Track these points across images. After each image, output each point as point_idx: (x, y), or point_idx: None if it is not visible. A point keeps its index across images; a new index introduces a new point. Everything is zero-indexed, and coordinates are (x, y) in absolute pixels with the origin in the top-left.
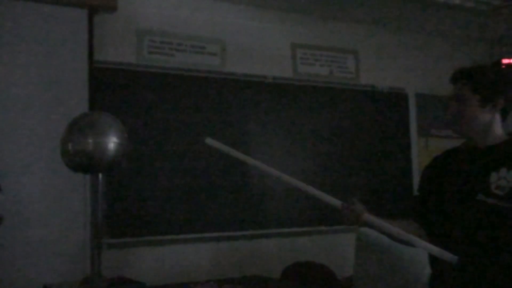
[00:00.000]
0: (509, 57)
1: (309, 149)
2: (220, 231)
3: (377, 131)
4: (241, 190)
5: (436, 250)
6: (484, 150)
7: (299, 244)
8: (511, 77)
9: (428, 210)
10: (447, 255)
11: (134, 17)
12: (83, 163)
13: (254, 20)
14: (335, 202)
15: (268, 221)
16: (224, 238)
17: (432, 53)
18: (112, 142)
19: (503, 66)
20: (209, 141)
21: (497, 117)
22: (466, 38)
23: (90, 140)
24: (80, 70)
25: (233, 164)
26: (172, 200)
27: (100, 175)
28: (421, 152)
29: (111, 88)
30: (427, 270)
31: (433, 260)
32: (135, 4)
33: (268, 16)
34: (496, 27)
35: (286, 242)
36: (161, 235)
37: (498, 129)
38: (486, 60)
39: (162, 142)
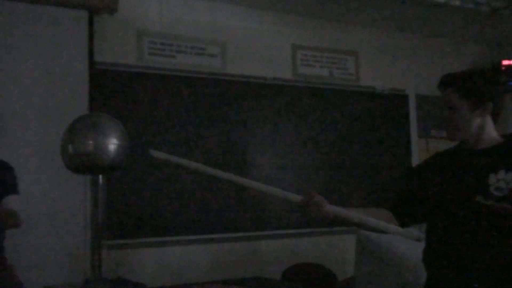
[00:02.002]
0: (509, 59)
1: (309, 150)
2: (220, 232)
3: (377, 132)
4: (241, 191)
5: (402, 231)
6: (480, 152)
7: (300, 246)
8: (498, 81)
9: (410, 206)
10: (414, 234)
11: (134, 19)
12: (83, 164)
13: (254, 22)
14: (295, 197)
15: (268, 222)
16: (224, 240)
17: (432, 54)
18: (112, 144)
19: (503, 68)
20: (153, 152)
21: (489, 120)
22: (466, 40)
23: (90, 142)
24: (80, 71)
25: (233, 164)
26: (172, 201)
27: (100, 177)
28: (421, 153)
29: (112, 89)
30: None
31: (428, 261)
32: (135, 6)
33: (268, 18)
34: (496, 29)
35: (286, 244)
36: (161, 236)
37: (491, 132)
38: (486, 61)
39: (162, 143)
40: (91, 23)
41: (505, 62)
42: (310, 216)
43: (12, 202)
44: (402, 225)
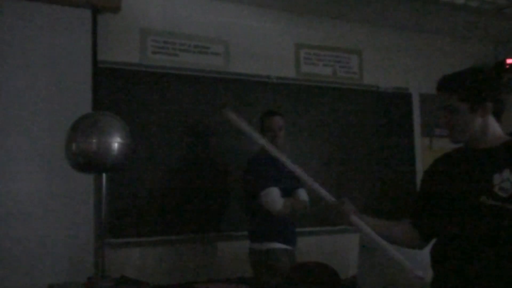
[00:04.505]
0: None
1: (313, 149)
2: (223, 231)
3: (381, 131)
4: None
5: (406, 264)
6: (485, 152)
7: (303, 244)
8: (495, 80)
9: (427, 214)
10: (417, 274)
11: (137, 17)
12: (86, 163)
13: (257, 20)
14: (329, 198)
15: None
16: (227, 238)
17: (436, 53)
18: (115, 142)
19: (507, 66)
20: (227, 112)
21: (491, 119)
22: (470, 38)
23: (93, 140)
24: (83, 70)
25: (234, 164)
26: (174, 200)
27: (104, 175)
28: (425, 152)
29: (115, 88)
30: (430, 271)
31: (434, 261)
32: (138, 4)
33: (272, 16)
34: (500, 27)
35: None
36: (164, 235)
37: (495, 131)
38: (491, 60)
39: (165, 142)
40: (94, 21)
41: (510, 61)
42: (332, 219)
43: (302, 193)
44: (424, 238)
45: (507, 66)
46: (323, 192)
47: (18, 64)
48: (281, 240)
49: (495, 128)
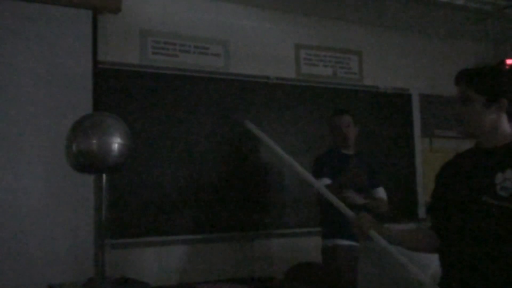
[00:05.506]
0: None
1: (313, 150)
2: (223, 231)
3: (381, 132)
4: (243, 190)
5: (423, 278)
6: (490, 151)
7: (303, 245)
8: None
9: (443, 216)
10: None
11: (138, 18)
12: (87, 163)
13: (257, 21)
14: (348, 213)
15: (271, 221)
16: (227, 239)
17: (435, 53)
18: (115, 143)
19: (507, 67)
20: (248, 124)
21: (504, 117)
22: (470, 39)
23: (94, 141)
24: (84, 70)
25: (235, 164)
26: (175, 200)
27: (104, 176)
28: (425, 153)
29: (115, 88)
30: (431, 272)
31: (442, 261)
32: (139, 5)
33: (272, 17)
34: (500, 27)
35: (289, 243)
36: (165, 235)
37: (506, 130)
38: (490, 60)
39: (165, 143)
40: (94, 22)
41: (509, 61)
42: (354, 231)
43: (380, 192)
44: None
45: (507, 66)
46: (342, 206)
47: (18, 64)
48: (341, 236)
49: (505, 127)
